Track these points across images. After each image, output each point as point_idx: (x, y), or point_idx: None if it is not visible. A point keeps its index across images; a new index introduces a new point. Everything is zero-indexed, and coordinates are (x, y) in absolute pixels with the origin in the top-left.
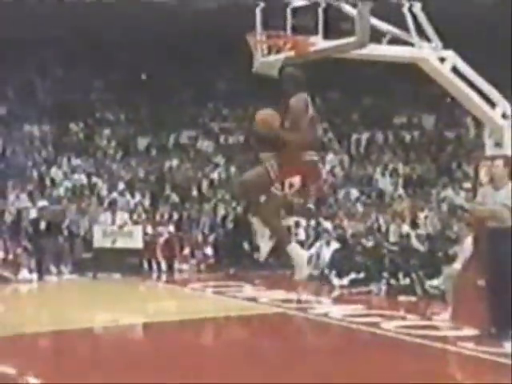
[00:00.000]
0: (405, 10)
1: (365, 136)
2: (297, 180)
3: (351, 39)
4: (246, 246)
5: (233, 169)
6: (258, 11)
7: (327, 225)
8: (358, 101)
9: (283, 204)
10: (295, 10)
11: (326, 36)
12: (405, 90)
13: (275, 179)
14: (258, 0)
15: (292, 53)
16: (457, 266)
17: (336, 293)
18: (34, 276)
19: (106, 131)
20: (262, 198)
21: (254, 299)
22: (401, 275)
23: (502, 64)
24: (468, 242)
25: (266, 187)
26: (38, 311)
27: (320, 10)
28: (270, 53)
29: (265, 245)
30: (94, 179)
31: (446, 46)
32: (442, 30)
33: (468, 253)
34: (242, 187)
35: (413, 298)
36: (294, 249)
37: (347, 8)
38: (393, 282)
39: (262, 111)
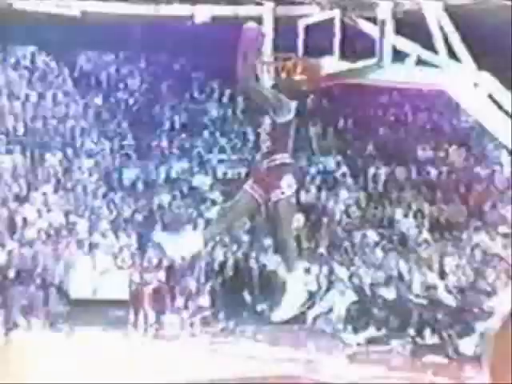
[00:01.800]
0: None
1: (383, 171)
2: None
3: (370, 61)
4: (246, 296)
5: None
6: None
7: (342, 272)
8: (374, 131)
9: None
10: (308, 29)
11: (342, 58)
12: (430, 119)
13: (261, 198)
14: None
15: (303, 76)
16: (494, 322)
17: (351, 351)
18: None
19: (87, 163)
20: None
21: (255, 358)
22: (427, 332)
23: None
24: (506, 295)
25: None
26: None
27: (336, 29)
28: (278, 76)
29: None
30: (73, 218)
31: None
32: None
33: (507, 308)
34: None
35: (442, 360)
36: (295, 282)
37: (366, 26)
38: (418, 340)
39: None
